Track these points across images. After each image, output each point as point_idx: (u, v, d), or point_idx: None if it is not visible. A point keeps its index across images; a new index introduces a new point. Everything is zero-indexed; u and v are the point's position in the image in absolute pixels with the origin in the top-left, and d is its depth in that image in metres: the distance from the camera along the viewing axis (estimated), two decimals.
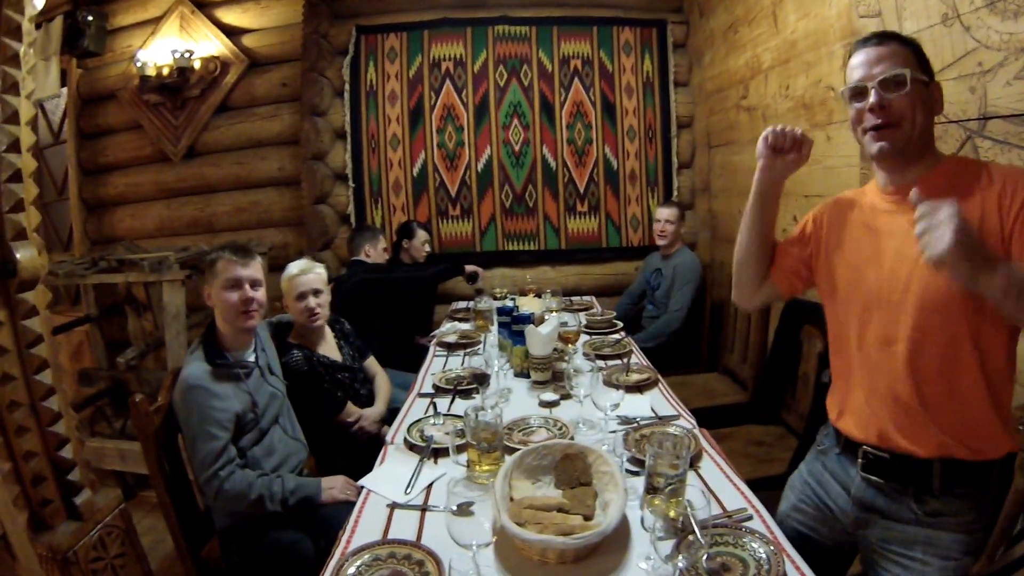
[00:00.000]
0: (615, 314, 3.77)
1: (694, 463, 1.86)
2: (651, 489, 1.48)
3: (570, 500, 1.57)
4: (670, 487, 1.43)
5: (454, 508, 1.37)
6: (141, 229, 5.08)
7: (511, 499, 1.58)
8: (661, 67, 4.86)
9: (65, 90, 5.10)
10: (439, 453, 2.04)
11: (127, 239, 4.93)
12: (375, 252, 3.98)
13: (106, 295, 4.58)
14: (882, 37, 1.43)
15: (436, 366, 3.04)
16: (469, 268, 4.03)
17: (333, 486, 2.17)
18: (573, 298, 4.34)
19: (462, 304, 4.44)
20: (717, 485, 1.74)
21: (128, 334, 4.35)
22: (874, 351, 1.49)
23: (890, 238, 1.46)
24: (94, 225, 5.19)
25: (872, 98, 1.39)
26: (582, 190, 4.87)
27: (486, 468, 1.79)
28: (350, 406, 2.71)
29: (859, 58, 1.44)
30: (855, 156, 2.67)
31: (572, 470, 1.68)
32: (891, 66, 1.38)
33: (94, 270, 3.95)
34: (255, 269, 2.26)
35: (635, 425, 2.13)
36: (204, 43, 4.78)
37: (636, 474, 1.76)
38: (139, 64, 4.65)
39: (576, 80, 4.82)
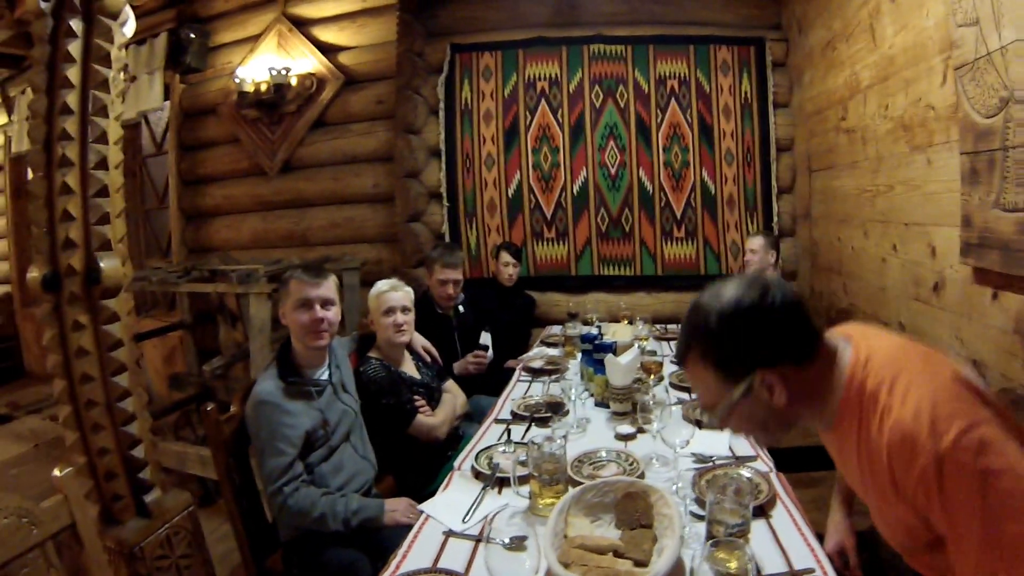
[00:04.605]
0: None
1: (766, 511, 1.71)
2: (711, 537, 1.38)
3: (627, 543, 1.49)
4: (731, 537, 1.34)
5: (506, 541, 1.32)
6: (237, 240, 5.22)
7: (564, 536, 1.51)
8: (760, 87, 4.67)
9: (168, 103, 5.32)
10: (504, 483, 1.97)
11: (223, 249, 5.05)
12: (431, 282, 3.57)
13: (200, 303, 4.70)
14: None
15: (518, 392, 2.96)
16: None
17: (395, 508, 2.16)
18: (668, 326, 4.17)
19: (556, 329, 4.33)
20: (787, 538, 1.57)
21: (219, 343, 4.43)
22: None
23: None
24: (192, 234, 5.36)
25: None
26: (679, 215, 4.73)
27: (548, 501, 1.73)
28: (419, 419, 2.63)
29: None
30: (956, 181, 2.46)
31: (633, 510, 1.59)
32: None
33: (186, 279, 4.05)
34: (327, 289, 2.29)
35: (710, 464, 2.01)
36: (301, 60, 4.88)
37: (702, 518, 1.60)
38: (238, 80, 4.79)
39: (673, 101, 4.69)
